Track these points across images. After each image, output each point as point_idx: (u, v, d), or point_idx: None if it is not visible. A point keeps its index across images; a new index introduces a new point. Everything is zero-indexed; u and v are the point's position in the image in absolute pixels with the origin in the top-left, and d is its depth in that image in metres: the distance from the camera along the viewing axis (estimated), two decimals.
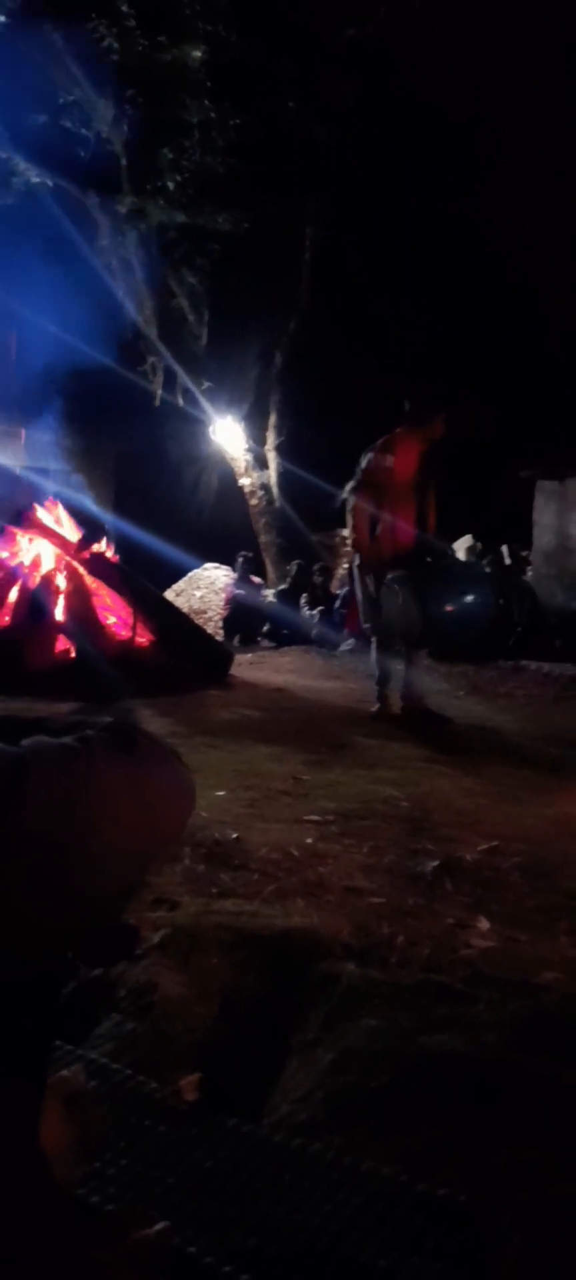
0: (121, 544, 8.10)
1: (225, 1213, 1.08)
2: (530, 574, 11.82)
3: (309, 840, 2.91)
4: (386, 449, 5.52)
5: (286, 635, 11.01)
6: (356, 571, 5.85)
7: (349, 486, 5.78)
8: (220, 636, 10.74)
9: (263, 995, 1.72)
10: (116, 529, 8.80)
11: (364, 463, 5.61)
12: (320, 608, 11.67)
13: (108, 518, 9.18)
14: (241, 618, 11.59)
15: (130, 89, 11.65)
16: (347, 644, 10.62)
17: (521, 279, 13.51)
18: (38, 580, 6.83)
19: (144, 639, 6.92)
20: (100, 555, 7.22)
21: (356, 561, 5.80)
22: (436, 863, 2.69)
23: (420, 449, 5.48)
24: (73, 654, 6.44)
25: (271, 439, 14.67)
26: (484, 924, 2.23)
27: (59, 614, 6.68)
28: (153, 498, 13.44)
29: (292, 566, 12.89)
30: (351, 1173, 1.13)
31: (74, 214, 12.59)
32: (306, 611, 11.73)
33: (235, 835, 2.90)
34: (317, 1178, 1.13)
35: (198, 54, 11.56)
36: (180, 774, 0.97)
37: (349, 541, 5.88)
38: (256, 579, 12.93)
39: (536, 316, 14.03)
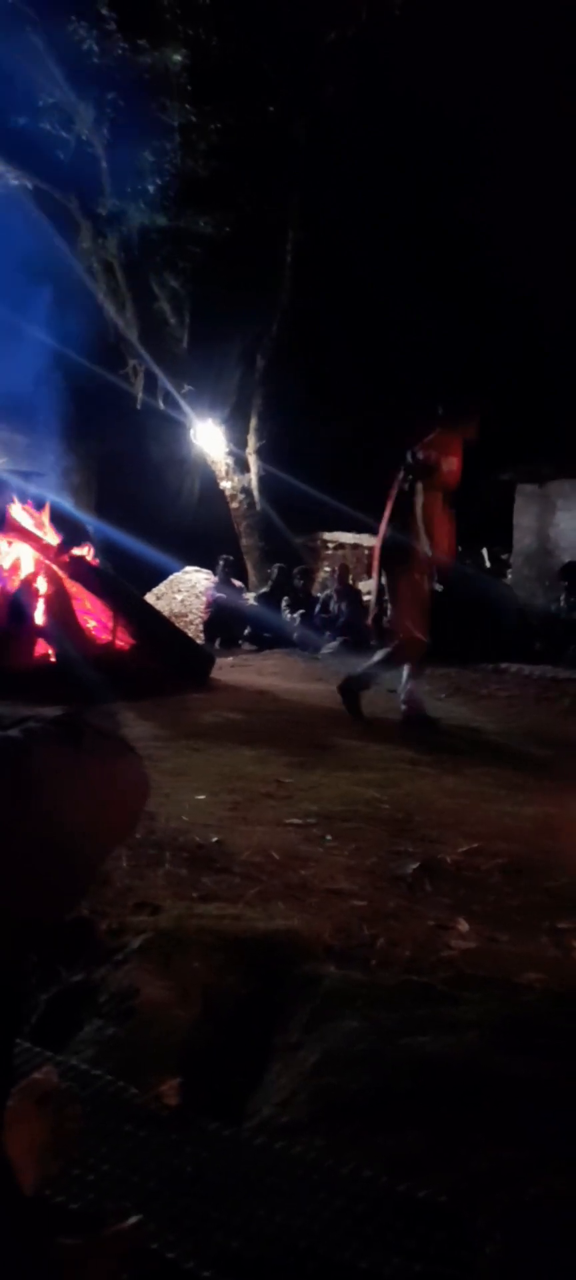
0: (103, 547, 8.07)
1: (206, 1216, 1.07)
2: (510, 576, 11.91)
3: (291, 843, 2.91)
4: (445, 449, 5.24)
5: (268, 638, 11.01)
6: (401, 572, 5.33)
7: (413, 482, 5.25)
8: (201, 640, 10.71)
9: (245, 998, 1.71)
10: (98, 532, 8.77)
11: (422, 458, 5.24)
12: (301, 610, 11.68)
13: (89, 521, 9.14)
14: (222, 621, 11.57)
15: (111, 92, 11.62)
16: (329, 646, 10.64)
17: (510, 281, 13.57)
18: (17, 584, 6.78)
19: (124, 642, 6.90)
20: (80, 559, 7.19)
21: (410, 562, 5.28)
22: (418, 864, 2.69)
23: (461, 450, 5.33)
24: (53, 657, 6.41)
25: (252, 442, 14.67)
26: (465, 925, 2.23)
27: (39, 617, 6.65)
28: (134, 501, 13.40)
29: (274, 569, 12.89)
30: (333, 1175, 1.13)
31: (55, 216, 12.54)
32: (288, 614, 11.73)
33: (217, 838, 2.90)
34: (299, 1180, 1.12)
35: (178, 57, 11.55)
36: (131, 768, 0.96)
37: (412, 540, 5.20)
38: (238, 582, 12.92)
39: (523, 318, 14.11)
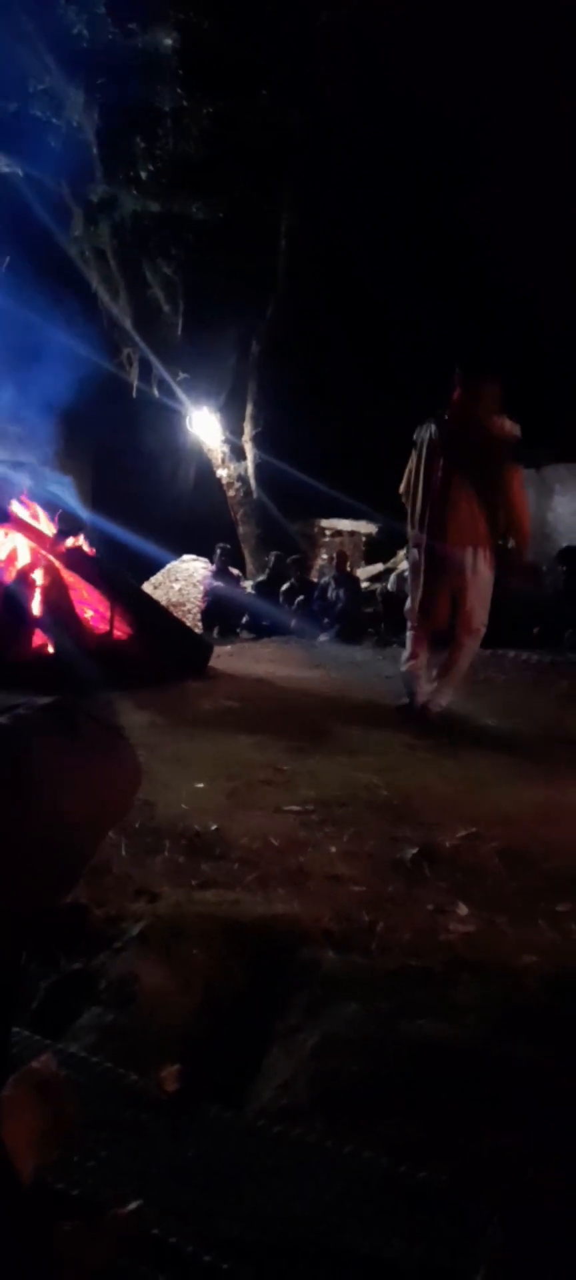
0: (99, 537, 8.05)
1: (206, 1201, 1.08)
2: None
3: (290, 829, 2.91)
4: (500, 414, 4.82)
5: (266, 626, 11.01)
6: (482, 560, 4.93)
7: (505, 457, 4.86)
8: (199, 629, 10.71)
9: (244, 984, 1.72)
10: (94, 522, 8.74)
11: (510, 430, 4.85)
12: (299, 598, 11.67)
13: (85, 512, 9.12)
14: (220, 610, 11.57)
15: (101, 77, 11.54)
16: (327, 634, 10.64)
17: (508, 269, 13.54)
18: (14, 575, 6.77)
19: (122, 632, 6.89)
20: (77, 549, 7.18)
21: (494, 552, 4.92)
22: (416, 849, 2.70)
23: None
24: (51, 648, 6.40)
25: (248, 429, 14.64)
26: (463, 909, 2.24)
27: (36, 609, 6.63)
28: (130, 490, 13.36)
29: (271, 557, 12.88)
30: (333, 1158, 1.13)
31: (47, 203, 12.46)
32: (284, 602, 11.73)
33: (216, 825, 2.90)
34: (299, 1163, 1.13)
35: (169, 41, 11.46)
36: (124, 755, 0.96)
37: (509, 524, 4.80)
38: (235, 570, 12.90)
39: (520, 311, 14.07)
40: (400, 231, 13.33)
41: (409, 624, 5.22)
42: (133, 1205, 1.01)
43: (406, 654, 5.18)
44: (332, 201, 13.03)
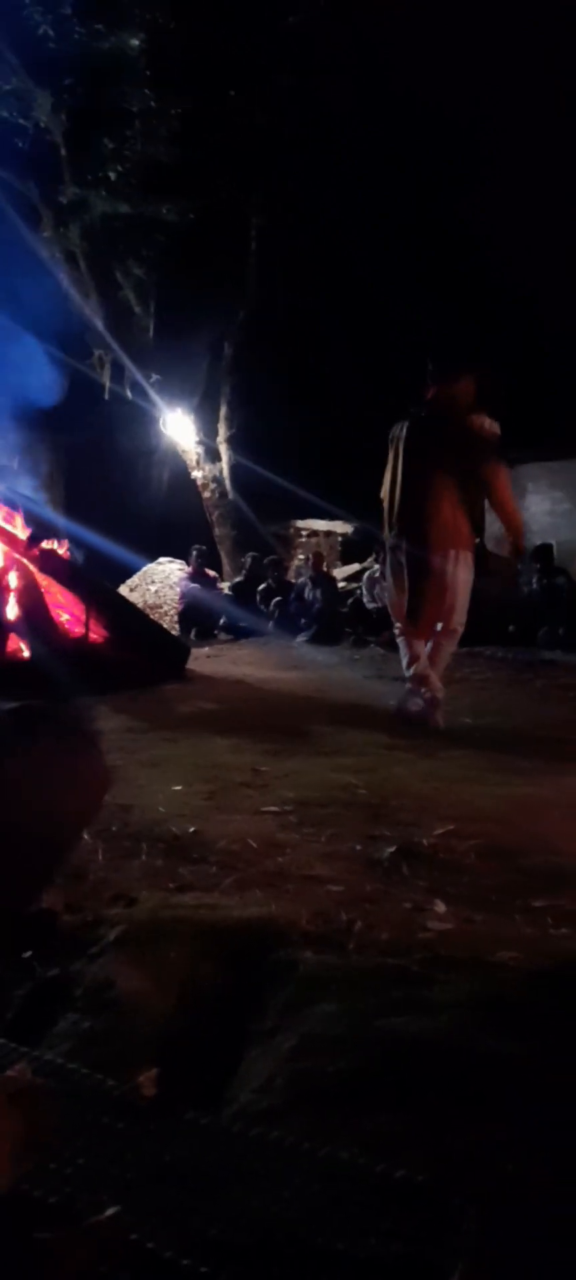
0: (74, 540, 8.00)
1: (184, 1205, 1.07)
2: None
3: (268, 830, 2.91)
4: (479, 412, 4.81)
5: (243, 628, 11.00)
6: (464, 564, 4.96)
7: (487, 456, 4.86)
8: (176, 631, 10.68)
9: (221, 986, 1.71)
10: (68, 526, 8.68)
11: (489, 428, 4.85)
12: (277, 599, 11.67)
13: (59, 517, 9.06)
14: (197, 612, 11.54)
15: (68, 77, 11.47)
16: (304, 635, 10.65)
17: (507, 269, 13.61)
18: None
19: (98, 635, 6.86)
20: (51, 552, 7.14)
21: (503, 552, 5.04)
22: (394, 848, 2.70)
23: None
24: (26, 653, 6.35)
25: (223, 431, 14.62)
26: (441, 907, 2.25)
27: (10, 612, 6.58)
28: (105, 492, 13.30)
29: (247, 559, 12.87)
30: (310, 1158, 1.13)
31: (15, 205, 12.36)
32: (261, 604, 11.73)
33: (194, 829, 2.89)
34: (276, 1165, 1.13)
35: (136, 42, 11.42)
36: (89, 759, 0.96)
37: (503, 524, 4.90)
38: (211, 572, 12.88)
39: (518, 302, 14.15)
40: (399, 231, 13.38)
41: (397, 628, 5.21)
42: (111, 1211, 1.00)
43: (406, 659, 5.09)
44: (332, 201, 13.04)
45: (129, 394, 13.95)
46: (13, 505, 7.34)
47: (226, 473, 14.71)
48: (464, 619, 5.07)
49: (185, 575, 12.54)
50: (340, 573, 13.50)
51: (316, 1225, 1.02)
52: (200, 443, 14.65)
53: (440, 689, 5.01)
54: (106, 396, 14.04)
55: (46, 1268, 0.91)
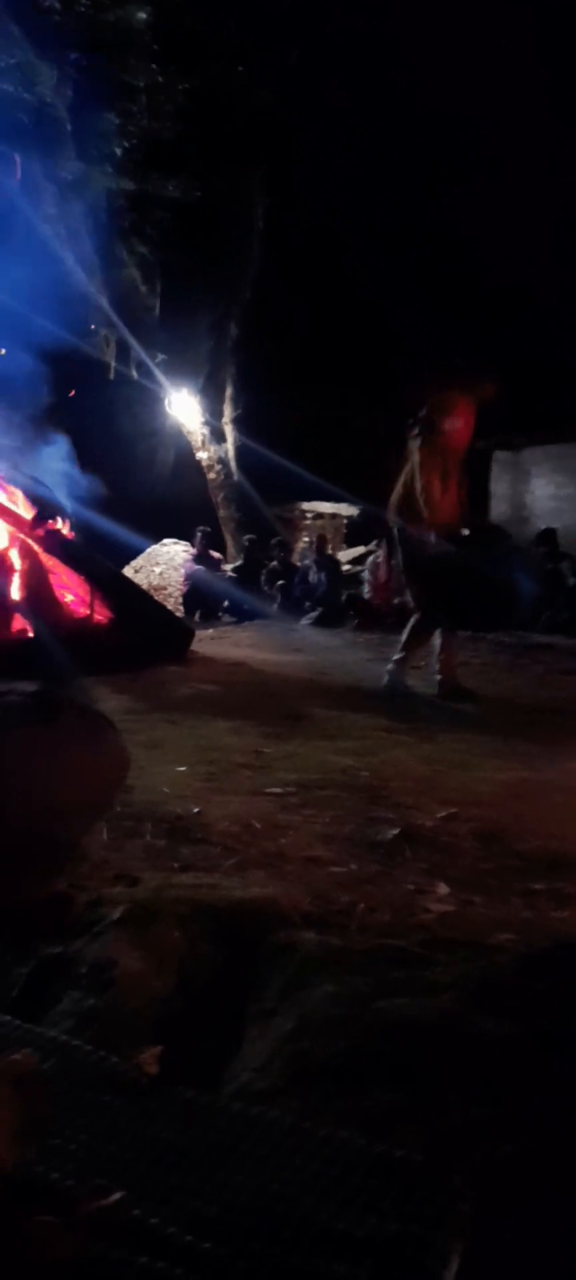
0: (78, 521, 7.99)
1: (185, 1183, 1.08)
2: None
3: (269, 812, 2.92)
4: (449, 409, 5.13)
5: (247, 610, 11.00)
6: (402, 535, 5.33)
7: (414, 438, 5.18)
8: (180, 613, 10.68)
9: (222, 966, 1.73)
10: (72, 507, 8.67)
11: (422, 415, 5.18)
12: (280, 582, 11.66)
13: (62, 496, 9.05)
14: (201, 594, 11.54)
15: (73, 52, 11.37)
16: (308, 617, 10.65)
17: (507, 270, 13.51)
18: None
19: (102, 616, 6.86)
20: (55, 532, 7.13)
21: (414, 526, 5.24)
22: (395, 831, 2.72)
23: (474, 413, 5.22)
24: (30, 633, 6.36)
25: (228, 411, 14.57)
26: (441, 889, 2.26)
27: (14, 593, 6.59)
28: (110, 473, 13.25)
29: (246, 541, 12.86)
30: (309, 1137, 1.14)
31: (18, 180, 12.27)
32: (266, 586, 11.72)
33: (196, 809, 2.90)
34: (276, 1144, 1.14)
35: (142, 15, 11.31)
36: (110, 744, 0.97)
37: (418, 501, 5.07)
38: (216, 554, 12.87)
39: (518, 303, 14.06)
40: (399, 231, 13.29)
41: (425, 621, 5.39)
42: (116, 1195, 1.01)
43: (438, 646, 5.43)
44: (331, 201, 12.94)
45: (134, 374, 13.90)
46: (17, 484, 7.33)
47: (231, 454, 14.67)
48: (419, 600, 5.38)
49: (190, 557, 12.53)
50: (345, 555, 13.47)
51: (315, 1204, 1.03)
52: (205, 423, 14.60)
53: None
54: (111, 376, 13.99)
55: (45, 1247, 0.92)
